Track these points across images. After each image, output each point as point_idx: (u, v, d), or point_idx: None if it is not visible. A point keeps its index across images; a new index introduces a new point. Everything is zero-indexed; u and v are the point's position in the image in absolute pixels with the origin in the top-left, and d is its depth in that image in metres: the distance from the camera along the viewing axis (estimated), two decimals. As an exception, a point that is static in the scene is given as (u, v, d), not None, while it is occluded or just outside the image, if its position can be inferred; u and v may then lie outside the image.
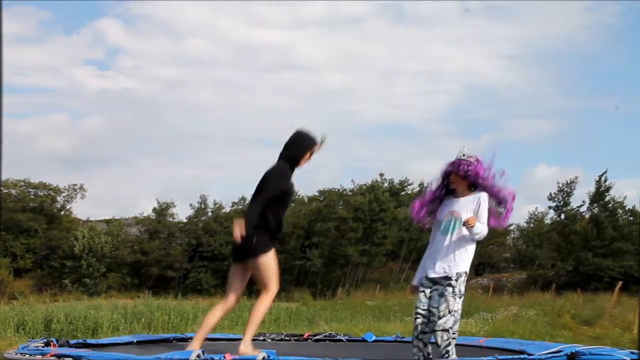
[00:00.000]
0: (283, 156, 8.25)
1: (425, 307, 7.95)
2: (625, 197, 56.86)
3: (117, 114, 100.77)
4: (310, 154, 8.28)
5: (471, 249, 8.07)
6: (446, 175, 8.25)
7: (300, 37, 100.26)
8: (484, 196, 8.04)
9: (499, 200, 8.25)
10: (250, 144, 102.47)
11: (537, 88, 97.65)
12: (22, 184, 64.02)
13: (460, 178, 8.10)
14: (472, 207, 8.00)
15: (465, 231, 7.93)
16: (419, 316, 7.99)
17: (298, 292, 53.53)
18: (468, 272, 8.05)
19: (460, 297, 7.84)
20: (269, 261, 8.05)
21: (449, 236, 8.01)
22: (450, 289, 7.82)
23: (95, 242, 59.56)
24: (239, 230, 7.80)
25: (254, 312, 8.28)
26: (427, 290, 7.99)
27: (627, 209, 57.06)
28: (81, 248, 58.79)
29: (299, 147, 8.26)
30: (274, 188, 8.08)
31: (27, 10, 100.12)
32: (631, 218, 56.05)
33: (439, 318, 7.75)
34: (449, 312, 7.74)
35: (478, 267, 64.15)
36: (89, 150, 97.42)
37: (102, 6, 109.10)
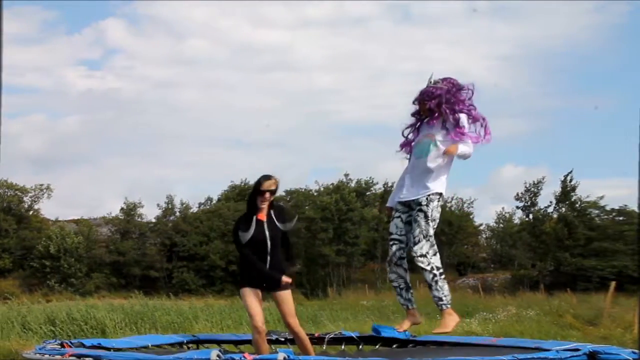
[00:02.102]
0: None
1: (403, 232, 8.04)
2: (602, 197, 57.12)
3: (96, 114, 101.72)
4: (263, 194, 8.52)
5: (445, 171, 8.04)
6: (418, 103, 8.36)
7: (301, 37, 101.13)
8: (462, 116, 8.02)
9: (473, 118, 8.16)
10: (222, 144, 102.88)
11: (523, 88, 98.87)
12: (4, 184, 64.23)
13: (428, 103, 8.13)
14: (448, 127, 7.99)
15: (439, 154, 7.92)
16: (395, 242, 8.10)
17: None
18: (443, 195, 8.03)
19: (433, 222, 7.83)
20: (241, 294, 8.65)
21: (423, 159, 8.00)
22: (422, 214, 7.80)
23: (68, 243, 59.55)
24: None
25: None
26: (404, 216, 8.05)
27: (609, 209, 57.08)
28: (57, 248, 58.76)
29: (251, 193, 8.72)
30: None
31: (31, 10, 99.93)
32: (620, 218, 55.88)
33: (414, 244, 7.77)
34: (424, 237, 7.73)
35: (459, 267, 64.57)
36: (60, 151, 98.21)
37: (110, 6, 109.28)
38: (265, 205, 8.53)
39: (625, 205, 55.68)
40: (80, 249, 60.28)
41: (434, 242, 7.83)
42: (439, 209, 7.97)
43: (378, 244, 62.16)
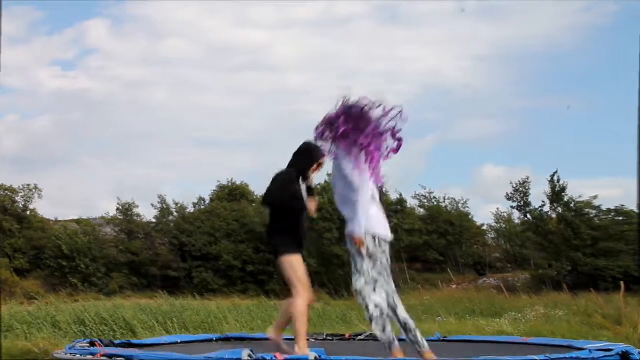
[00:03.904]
0: (291, 164, 8.38)
1: None
2: (595, 197, 56.24)
3: (67, 114, 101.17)
4: (318, 166, 8.38)
5: (354, 208, 7.40)
6: None
7: (281, 38, 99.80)
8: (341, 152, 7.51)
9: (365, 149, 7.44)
10: (198, 144, 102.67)
11: (495, 88, 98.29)
12: None
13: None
14: (337, 164, 7.64)
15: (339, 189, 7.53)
16: None
17: (313, 292, 53.57)
18: (371, 233, 7.38)
19: (367, 257, 7.33)
20: (288, 262, 8.16)
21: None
22: (354, 249, 7.38)
23: (78, 243, 59.72)
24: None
25: (292, 318, 8.33)
26: None
27: (607, 209, 56.36)
28: (69, 248, 58.94)
29: (305, 159, 8.36)
30: (272, 196, 8.35)
31: (23, 10, 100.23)
32: (619, 218, 55.15)
33: (353, 277, 7.41)
34: (357, 272, 7.29)
35: (476, 267, 64.54)
36: (36, 151, 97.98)
37: (99, 7, 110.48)
38: (314, 176, 8.36)
39: (622, 205, 55.44)
40: (92, 249, 60.38)
41: (376, 278, 7.35)
42: (375, 245, 7.40)
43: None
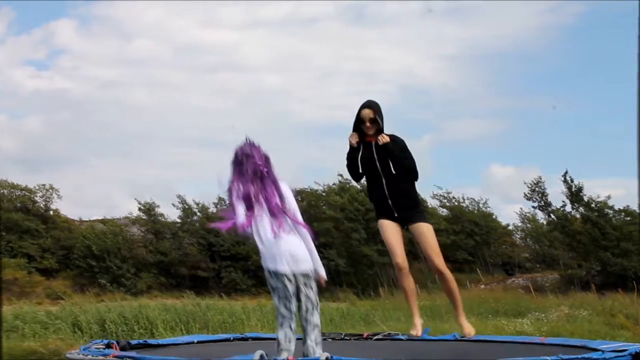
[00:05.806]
0: None
1: None
2: (609, 197, 56.56)
3: (55, 114, 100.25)
4: (364, 122, 8.08)
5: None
6: None
7: (248, 38, 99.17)
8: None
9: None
10: (194, 144, 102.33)
11: (472, 88, 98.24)
12: (8, 185, 64.35)
13: None
14: None
15: None
16: None
17: (341, 292, 53.45)
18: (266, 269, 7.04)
19: (272, 292, 7.06)
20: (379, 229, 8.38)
21: None
22: None
23: (107, 243, 59.81)
24: None
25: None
26: None
27: (617, 209, 56.64)
28: (99, 248, 59.05)
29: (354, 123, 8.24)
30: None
31: (4, 11, 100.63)
32: (628, 218, 55.45)
33: None
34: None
35: (505, 267, 64.58)
36: (34, 151, 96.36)
37: (65, 7, 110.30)
38: (371, 132, 8.06)
39: (628, 206, 55.67)
40: (122, 249, 60.39)
41: (283, 313, 6.99)
42: (272, 277, 7.00)
43: (415, 243, 62.35)
